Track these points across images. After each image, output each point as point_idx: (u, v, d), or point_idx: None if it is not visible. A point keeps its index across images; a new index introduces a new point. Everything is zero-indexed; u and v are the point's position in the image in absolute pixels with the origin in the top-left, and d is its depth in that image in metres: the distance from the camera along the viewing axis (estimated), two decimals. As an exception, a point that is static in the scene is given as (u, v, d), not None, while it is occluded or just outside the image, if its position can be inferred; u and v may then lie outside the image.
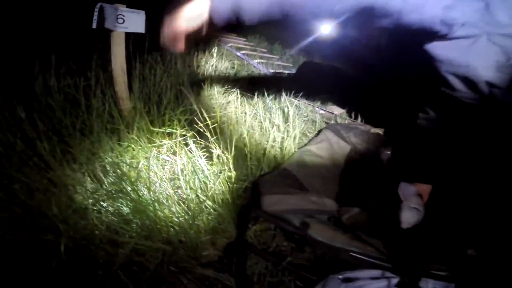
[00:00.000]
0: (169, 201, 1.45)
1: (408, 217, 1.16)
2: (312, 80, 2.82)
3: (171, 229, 1.42)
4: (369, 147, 1.82)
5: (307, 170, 1.48)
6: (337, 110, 2.51)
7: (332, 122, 2.26)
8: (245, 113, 1.82)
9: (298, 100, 2.48)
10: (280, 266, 1.27)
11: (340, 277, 1.11)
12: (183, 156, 1.49)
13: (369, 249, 0.99)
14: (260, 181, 1.23)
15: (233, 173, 1.43)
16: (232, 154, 1.48)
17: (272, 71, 3.29)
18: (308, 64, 3.21)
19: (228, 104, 1.94)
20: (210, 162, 1.53)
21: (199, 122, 1.51)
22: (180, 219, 1.43)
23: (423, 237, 1.03)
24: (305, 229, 1.04)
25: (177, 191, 1.51)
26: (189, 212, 1.44)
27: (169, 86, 1.92)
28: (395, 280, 1.05)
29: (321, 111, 2.45)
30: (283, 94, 2.24)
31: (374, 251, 0.98)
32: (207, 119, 1.58)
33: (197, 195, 1.46)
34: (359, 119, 2.29)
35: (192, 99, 1.61)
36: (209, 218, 1.47)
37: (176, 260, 1.40)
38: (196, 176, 1.45)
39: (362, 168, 1.71)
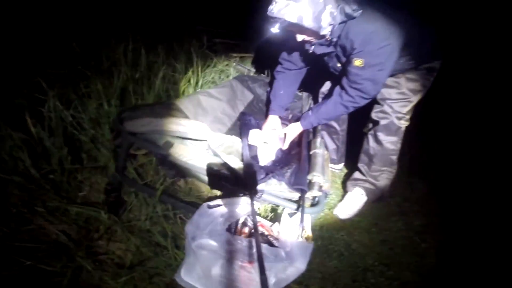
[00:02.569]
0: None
1: (262, 155, 1.29)
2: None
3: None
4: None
5: (198, 106, 1.45)
6: (254, 69, 2.53)
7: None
8: (141, 57, 1.68)
9: (216, 55, 2.42)
10: (155, 197, 1.22)
11: (210, 204, 1.13)
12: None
13: (225, 171, 1.01)
14: (135, 108, 1.16)
15: (112, 108, 1.33)
16: (114, 89, 1.37)
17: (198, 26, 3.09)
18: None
19: (119, 49, 1.74)
20: (88, 100, 1.39)
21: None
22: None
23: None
24: (167, 148, 1.01)
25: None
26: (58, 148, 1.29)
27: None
28: (249, 208, 1.09)
29: (238, 66, 2.43)
30: (193, 45, 2.14)
31: (229, 173, 1.01)
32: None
33: (67, 128, 1.31)
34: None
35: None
36: (84, 155, 1.35)
37: (45, 199, 1.27)
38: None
39: (259, 114, 1.77)
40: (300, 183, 1.02)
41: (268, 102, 1.65)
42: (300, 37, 1.20)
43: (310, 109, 1.47)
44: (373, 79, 1.22)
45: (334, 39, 1.21)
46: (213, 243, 1.05)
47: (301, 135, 1.43)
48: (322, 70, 1.50)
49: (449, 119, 2.34)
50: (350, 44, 1.19)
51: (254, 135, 1.46)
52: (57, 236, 1.19)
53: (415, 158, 2.01)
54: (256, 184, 0.97)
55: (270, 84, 1.91)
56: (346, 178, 1.78)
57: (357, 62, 1.19)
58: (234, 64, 2.42)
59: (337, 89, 1.33)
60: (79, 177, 1.38)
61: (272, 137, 1.42)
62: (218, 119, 1.49)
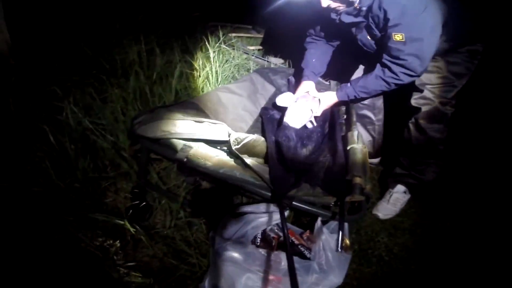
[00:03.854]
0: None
1: (293, 116, 1.22)
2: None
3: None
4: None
5: (218, 104, 1.35)
6: (275, 60, 2.39)
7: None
8: (156, 56, 1.61)
9: (234, 49, 2.31)
10: (181, 204, 1.18)
11: (234, 212, 1.05)
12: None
13: (248, 176, 0.90)
14: (151, 111, 1.08)
15: (130, 112, 1.27)
16: (130, 90, 1.32)
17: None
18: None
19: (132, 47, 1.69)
20: (105, 105, 1.34)
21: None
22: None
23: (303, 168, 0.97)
24: (185, 153, 0.93)
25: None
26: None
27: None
28: (276, 216, 1.01)
29: (257, 59, 2.31)
30: (209, 41, 2.04)
31: (255, 178, 0.90)
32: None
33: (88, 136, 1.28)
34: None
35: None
36: (107, 162, 1.32)
37: (71, 209, 1.25)
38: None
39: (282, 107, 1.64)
40: (338, 186, 0.88)
41: (300, 71, 1.54)
42: (325, 2, 1.12)
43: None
44: (418, 54, 1.11)
45: (364, 8, 1.13)
46: (237, 255, 0.95)
47: (333, 119, 1.30)
48: (351, 52, 1.38)
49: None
50: (384, 15, 1.10)
51: (284, 97, 1.34)
52: (86, 244, 1.18)
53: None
54: (285, 190, 0.85)
55: (293, 72, 1.78)
56: (386, 173, 1.59)
57: (397, 37, 1.09)
58: (253, 57, 2.30)
59: (378, 65, 1.22)
60: (104, 184, 1.36)
61: (305, 99, 1.31)
62: (240, 116, 1.38)
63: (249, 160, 0.92)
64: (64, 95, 1.33)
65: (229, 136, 0.97)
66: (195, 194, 1.20)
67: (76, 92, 1.38)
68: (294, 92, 1.45)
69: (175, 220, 1.25)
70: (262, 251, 0.96)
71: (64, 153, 1.26)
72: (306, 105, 1.30)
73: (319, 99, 1.35)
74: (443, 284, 1.22)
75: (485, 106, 1.93)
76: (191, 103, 1.27)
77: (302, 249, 1.05)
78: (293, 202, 0.88)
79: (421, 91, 1.29)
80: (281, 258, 0.94)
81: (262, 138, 1.05)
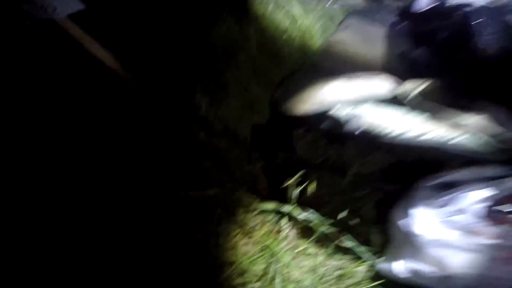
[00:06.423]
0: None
1: None
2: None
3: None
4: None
5: (339, 62, 1.18)
6: None
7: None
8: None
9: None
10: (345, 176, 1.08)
11: (431, 183, 0.81)
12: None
13: (453, 133, 0.70)
14: (286, 83, 0.98)
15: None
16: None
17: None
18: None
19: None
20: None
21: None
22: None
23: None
24: (355, 123, 0.81)
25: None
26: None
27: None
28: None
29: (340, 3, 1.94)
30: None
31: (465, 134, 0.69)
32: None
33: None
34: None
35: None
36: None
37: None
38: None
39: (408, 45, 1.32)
40: None
41: None
42: None
43: None
44: None
45: None
46: (453, 236, 0.76)
47: None
48: None
49: None
50: None
51: None
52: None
53: None
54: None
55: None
56: None
57: None
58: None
59: None
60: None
61: None
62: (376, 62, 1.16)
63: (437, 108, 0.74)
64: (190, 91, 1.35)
65: (396, 88, 0.80)
66: (364, 166, 1.06)
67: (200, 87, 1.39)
68: None
69: (342, 197, 1.13)
70: (492, 228, 0.74)
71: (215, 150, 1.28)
72: None
73: None
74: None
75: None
76: (314, 66, 1.12)
77: None
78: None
79: None
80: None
81: (435, 82, 0.83)
